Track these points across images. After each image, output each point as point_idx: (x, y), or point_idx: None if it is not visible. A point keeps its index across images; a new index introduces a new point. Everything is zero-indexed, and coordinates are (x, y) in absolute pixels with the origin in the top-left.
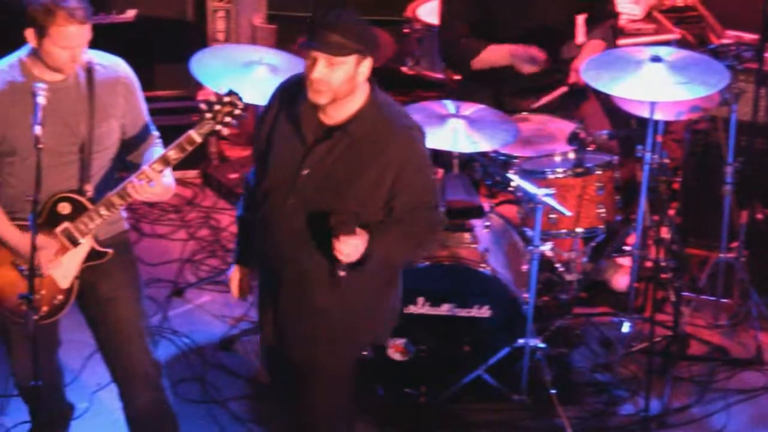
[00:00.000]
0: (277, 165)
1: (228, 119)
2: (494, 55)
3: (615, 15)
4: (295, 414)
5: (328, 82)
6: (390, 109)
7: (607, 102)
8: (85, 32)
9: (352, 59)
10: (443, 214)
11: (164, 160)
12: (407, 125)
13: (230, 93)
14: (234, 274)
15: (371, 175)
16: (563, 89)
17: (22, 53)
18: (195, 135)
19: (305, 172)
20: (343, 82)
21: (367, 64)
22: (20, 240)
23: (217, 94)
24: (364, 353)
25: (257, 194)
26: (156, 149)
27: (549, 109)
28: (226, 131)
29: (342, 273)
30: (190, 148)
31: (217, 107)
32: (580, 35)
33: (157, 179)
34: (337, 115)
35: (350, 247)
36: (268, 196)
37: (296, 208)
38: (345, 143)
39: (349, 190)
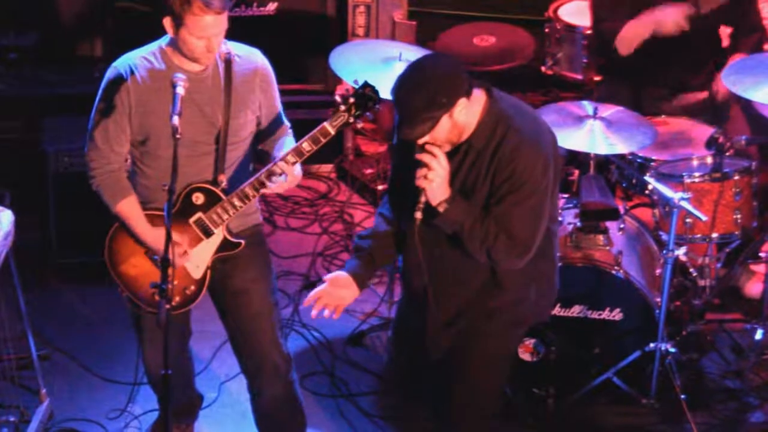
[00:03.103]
0: (412, 183)
1: (362, 112)
2: (634, 29)
3: (762, 29)
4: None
5: (435, 140)
6: (509, 110)
7: (747, 107)
8: (221, 22)
9: (443, 120)
10: (521, 252)
11: (298, 152)
12: (521, 127)
13: (365, 85)
14: (339, 276)
15: (491, 178)
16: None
17: (162, 42)
18: (329, 127)
19: None
20: (448, 133)
21: (459, 108)
22: (153, 236)
23: (352, 87)
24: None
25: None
26: (287, 139)
27: (689, 113)
28: (360, 124)
29: (419, 215)
30: (324, 140)
31: (351, 99)
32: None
33: (290, 171)
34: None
35: (440, 170)
36: (405, 211)
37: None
38: (471, 157)
39: (477, 199)
